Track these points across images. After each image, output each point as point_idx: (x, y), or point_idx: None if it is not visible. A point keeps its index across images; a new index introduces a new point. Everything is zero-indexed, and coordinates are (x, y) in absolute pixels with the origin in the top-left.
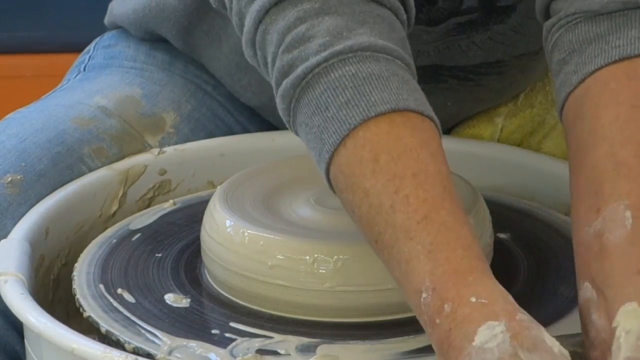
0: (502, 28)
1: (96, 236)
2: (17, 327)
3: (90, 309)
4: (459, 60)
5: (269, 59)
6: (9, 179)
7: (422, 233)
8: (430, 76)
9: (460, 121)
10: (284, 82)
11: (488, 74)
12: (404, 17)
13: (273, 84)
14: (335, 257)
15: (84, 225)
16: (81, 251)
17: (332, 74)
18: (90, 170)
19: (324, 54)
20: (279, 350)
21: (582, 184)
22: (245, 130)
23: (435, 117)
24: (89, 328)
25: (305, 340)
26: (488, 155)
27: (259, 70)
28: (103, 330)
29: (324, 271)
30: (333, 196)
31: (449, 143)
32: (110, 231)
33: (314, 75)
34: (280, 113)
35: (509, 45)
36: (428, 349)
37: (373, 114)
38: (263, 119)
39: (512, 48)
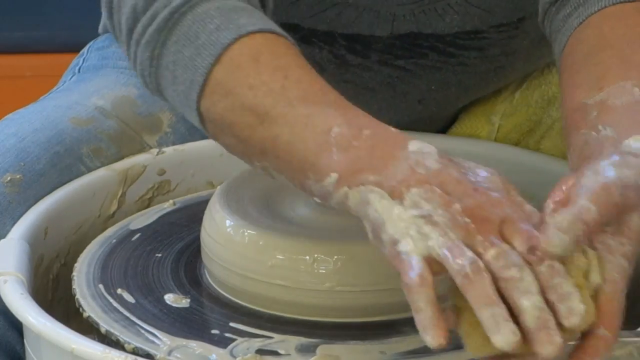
0: None
1: (95, 236)
2: (17, 326)
3: (90, 309)
4: (435, 27)
5: (123, 20)
6: (9, 177)
7: (321, 97)
8: (409, 48)
9: (452, 119)
10: (149, 30)
11: (468, 47)
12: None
13: (129, 46)
14: (335, 257)
15: (83, 226)
16: (80, 251)
17: (197, 9)
18: (89, 170)
19: None
20: (278, 350)
21: (584, 76)
22: None
23: (295, 44)
24: (88, 328)
25: (305, 340)
26: (487, 155)
27: (113, 35)
28: (103, 330)
29: (324, 271)
30: None
31: (448, 142)
32: (110, 231)
33: (179, 14)
34: (140, 69)
35: (486, 10)
36: (428, 349)
37: (245, 32)
38: None
39: (489, 14)
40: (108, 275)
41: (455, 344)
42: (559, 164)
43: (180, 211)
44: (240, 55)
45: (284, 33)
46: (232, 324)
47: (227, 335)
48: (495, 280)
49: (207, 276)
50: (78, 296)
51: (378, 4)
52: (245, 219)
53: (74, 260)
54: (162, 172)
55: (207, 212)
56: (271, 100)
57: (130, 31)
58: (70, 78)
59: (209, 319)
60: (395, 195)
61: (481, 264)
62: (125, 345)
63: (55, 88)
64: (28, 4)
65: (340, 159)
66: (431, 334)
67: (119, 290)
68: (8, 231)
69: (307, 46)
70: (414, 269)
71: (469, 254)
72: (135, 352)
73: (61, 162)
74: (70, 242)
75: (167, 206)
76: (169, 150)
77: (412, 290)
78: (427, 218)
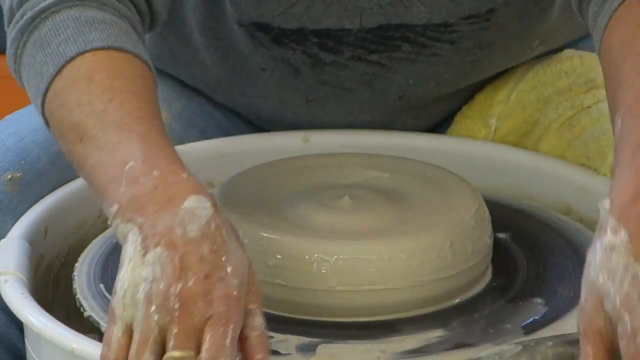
0: None
1: (95, 236)
2: (19, 324)
3: (91, 308)
4: (404, 18)
5: (6, 14)
6: (9, 176)
7: (135, 126)
8: (381, 41)
9: (444, 118)
10: (15, 29)
11: (440, 40)
12: (136, 18)
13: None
14: (335, 257)
15: (83, 225)
16: (80, 251)
17: (57, 16)
18: None
19: (53, 0)
20: (279, 350)
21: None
22: (235, 125)
23: (151, 64)
24: (89, 328)
25: (305, 339)
26: (486, 155)
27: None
28: (103, 329)
29: (324, 271)
30: (334, 196)
31: (449, 143)
32: (110, 231)
33: (41, 19)
34: (10, 64)
35: (451, 1)
36: (427, 349)
37: (90, 47)
38: None
39: (455, 5)
40: (109, 274)
41: (453, 343)
42: (559, 165)
43: None
44: (78, 70)
45: (137, 51)
46: None
47: None
48: None
49: None
50: (79, 296)
51: None
52: (246, 219)
53: (75, 260)
54: None
55: None
56: (91, 121)
57: (8, 25)
58: None
59: None
60: (145, 245)
61: None
62: None
63: None
64: None
65: (125, 192)
66: None
67: None
68: (9, 230)
69: (280, 47)
70: (112, 346)
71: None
72: None
73: (61, 161)
74: (71, 241)
75: None
76: None
77: None
78: (150, 281)
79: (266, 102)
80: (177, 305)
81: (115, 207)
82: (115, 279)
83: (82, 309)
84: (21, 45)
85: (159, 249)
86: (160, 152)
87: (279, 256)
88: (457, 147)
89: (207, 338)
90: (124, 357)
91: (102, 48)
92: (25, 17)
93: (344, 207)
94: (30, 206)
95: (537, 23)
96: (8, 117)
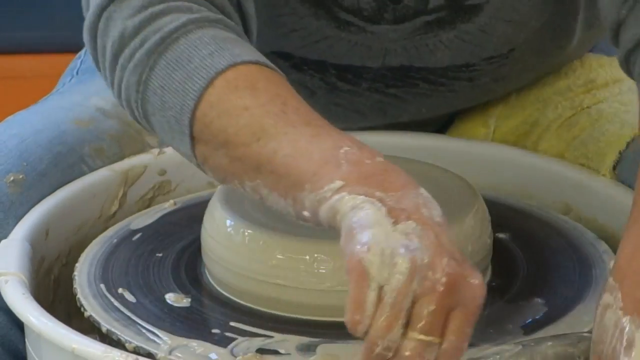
0: (470, 27)
1: (96, 236)
2: (19, 324)
3: (91, 308)
4: (427, 61)
5: (109, 45)
6: (11, 178)
7: (325, 124)
8: (400, 78)
9: (445, 122)
10: (137, 54)
11: (459, 78)
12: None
13: (114, 71)
14: (335, 257)
15: (84, 226)
16: (81, 251)
17: (191, 35)
18: (91, 170)
19: (181, 21)
20: (279, 350)
21: None
22: None
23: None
24: (89, 328)
25: (305, 339)
26: (487, 155)
27: (93, 61)
28: (104, 329)
29: (324, 271)
30: None
31: (449, 143)
32: (111, 231)
33: (171, 40)
34: (125, 94)
35: (477, 45)
36: None
37: (240, 60)
38: None
39: (480, 49)
40: (109, 274)
41: None
42: (557, 164)
43: (180, 211)
44: (236, 79)
45: (277, 68)
46: (232, 324)
47: (227, 334)
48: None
49: (208, 276)
50: (79, 296)
51: (369, 40)
52: (246, 219)
53: (75, 260)
54: (162, 173)
55: (207, 212)
56: (270, 121)
57: (116, 56)
58: (69, 80)
59: (210, 319)
60: (393, 215)
61: (393, 348)
62: (126, 345)
63: (54, 90)
64: (28, 4)
65: (351, 171)
66: None
67: (120, 290)
68: (11, 231)
69: (298, 73)
70: (363, 316)
71: (397, 334)
72: (136, 351)
73: (63, 162)
74: (72, 242)
75: (167, 206)
76: (169, 150)
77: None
78: (410, 250)
79: None
80: (443, 280)
81: (338, 183)
82: (116, 278)
83: (82, 309)
84: (147, 69)
85: (411, 222)
86: (373, 148)
87: (279, 256)
88: (457, 147)
89: (456, 326)
90: (375, 325)
91: (251, 62)
92: (151, 40)
93: None
94: (32, 207)
95: (552, 58)
96: (9, 118)
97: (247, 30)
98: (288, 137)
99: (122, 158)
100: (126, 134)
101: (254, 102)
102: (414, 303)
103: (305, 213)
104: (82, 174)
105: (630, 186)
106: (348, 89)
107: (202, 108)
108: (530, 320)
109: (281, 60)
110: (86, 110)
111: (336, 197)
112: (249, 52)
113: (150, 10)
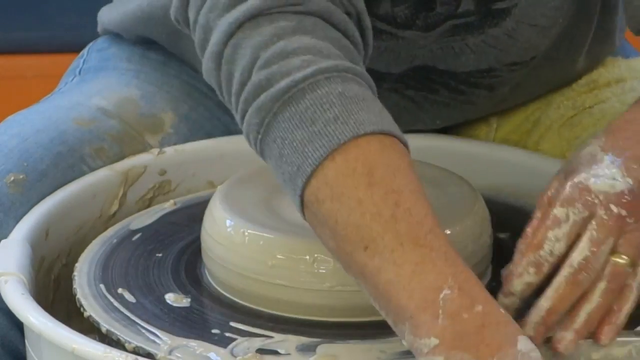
0: (497, 32)
1: (96, 236)
2: (19, 325)
3: (91, 308)
4: (450, 64)
5: (237, 74)
6: (12, 178)
7: (432, 241)
8: (421, 80)
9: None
10: (263, 95)
11: (479, 86)
12: (362, 53)
13: (238, 100)
14: None
15: (84, 226)
16: (81, 251)
17: (318, 91)
18: (92, 170)
19: (310, 70)
20: (279, 350)
21: None
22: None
23: (408, 145)
24: (89, 328)
25: (305, 339)
26: (487, 155)
27: (214, 86)
28: (103, 330)
29: (324, 271)
30: None
31: (449, 143)
32: (110, 231)
33: (298, 90)
34: (246, 128)
35: (502, 50)
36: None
37: (362, 132)
38: None
39: (504, 54)
40: (109, 275)
41: None
42: (558, 164)
43: (180, 211)
44: (356, 160)
45: (398, 133)
46: (232, 324)
47: (227, 334)
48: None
49: (208, 276)
50: (79, 296)
51: (399, 46)
52: (245, 219)
53: (75, 261)
54: (162, 173)
55: (207, 212)
56: (379, 228)
57: (242, 86)
58: (72, 80)
59: (210, 319)
60: None
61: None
62: (126, 345)
63: (56, 90)
64: (28, 4)
65: (446, 326)
66: None
67: (120, 290)
68: (11, 231)
69: None
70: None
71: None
72: (136, 351)
73: (64, 162)
74: (71, 242)
75: (167, 206)
76: (169, 150)
77: None
78: None
79: None
80: None
81: (434, 341)
82: (116, 278)
83: (82, 309)
84: (271, 114)
85: None
86: (472, 278)
87: (279, 256)
88: (457, 147)
89: None
90: None
91: (374, 133)
92: (278, 86)
93: None
94: (33, 207)
95: (563, 71)
96: (10, 117)
97: (366, 45)
98: (393, 258)
99: (122, 158)
100: (127, 134)
101: (366, 197)
102: None
103: (404, 342)
104: (83, 174)
105: None
106: None
107: (318, 181)
108: None
109: None
110: (87, 110)
111: (432, 358)
112: (374, 117)
113: (283, 44)
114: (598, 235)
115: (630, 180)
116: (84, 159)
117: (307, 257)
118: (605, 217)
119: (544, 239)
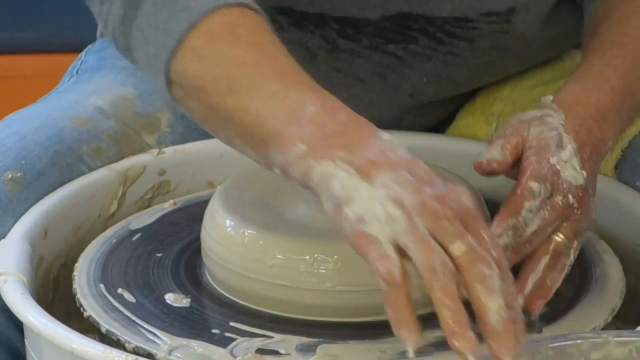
0: None
1: (95, 236)
2: (18, 324)
3: (91, 308)
4: (426, 8)
5: None
6: (9, 175)
7: (297, 76)
8: (399, 30)
9: (447, 116)
10: None
11: (458, 37)
12: None
13: (103, 4)
14: (335, 257)
15: (83, 226)
16: (80, 251)
17: None
18: (90, 169)
19: None
20: (279, 350)
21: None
22: None
23: (265, 16)
24: (89, 328)
25: (305, 340)
26: None
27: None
28: (103, 330)
29: (324, 271)
30: None
31: (449, 143)
32: (110, 231)
33: None
34: (110, 30)
35: None
36: (427, 349)
37: (223, 3)
38: None
39: (478, 2)
40: (109, 274)
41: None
42: None
43: (180, 211)
44: (219, 24)
45: (261, 10)
46: (232, 324)
47: (227, 334)
48: (460, 273)
49: (208, 276)
50: (79, 296)
51: None
52: (245, 219)
53: (75, 260)
54: (162, 173)
55: (207, 212)
56: (245, 72)
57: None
58: (69, 80)
59: (209, 319)
60: (364, 174)
61: (449, 262)
62: (126, 345)
63: (54, 89)
64: (28, 4)
65: (311, 131)
66: (411, 330)
67: (120, 290)
68: (9, 229)
69: (299, 30)
70: (393, 262)
71: (438, 248)
72: (135, 351)
73: (62, 160)
74: (71, 242)
75: (167, 206)
76: (168, 150)
77: (394, 287)
78: (395, 200)
79: None
80: (437, 205)
81: (301, 147)
82: (115, 278)
83: (82, 309)
84: (134, 5)
85: (384, 172)
86: (333, 97)
87: (279, 256)
88: (457, 147)
89: (473, 230)
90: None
91: (234, 5)
92: None
93: None
94: (31, 206)
95: (549, 32)
96: (8, 116)
97: None
98: (259, 93)
99: (121, 158)
100: (124, 133)
101: (231, 51)
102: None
103: (276, 170)
104: (81, 173)
105: (631, 186)
106: (348, 47)
107: (183, 51)
108: (530, 320)
109: (281, 16)
110: (84, 110)
111: (304, 164)
112: None
113: None
114: (549, 216)
115: (585, 173)
116: (82, 159)
117: (307, 257)
118: (560, 203)
119: (521, 207)
